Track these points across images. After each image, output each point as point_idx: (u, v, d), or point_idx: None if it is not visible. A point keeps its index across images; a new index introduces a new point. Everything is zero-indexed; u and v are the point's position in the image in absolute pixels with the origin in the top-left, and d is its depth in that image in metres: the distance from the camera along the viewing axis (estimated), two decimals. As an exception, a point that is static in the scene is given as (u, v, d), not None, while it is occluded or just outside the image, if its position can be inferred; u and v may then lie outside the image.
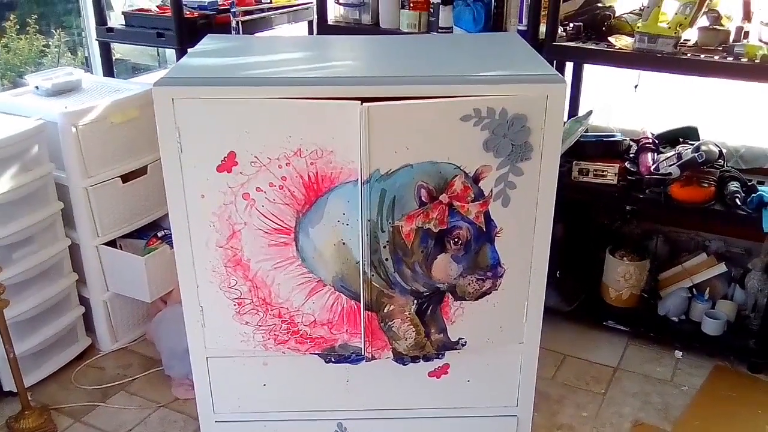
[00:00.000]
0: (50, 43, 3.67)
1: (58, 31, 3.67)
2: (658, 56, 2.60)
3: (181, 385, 2.69)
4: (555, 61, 2.81)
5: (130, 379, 2.81)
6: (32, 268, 2.59)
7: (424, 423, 1.98)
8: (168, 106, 1.55)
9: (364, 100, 1.52)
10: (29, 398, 2.53)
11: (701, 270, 3.02)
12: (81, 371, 2.85)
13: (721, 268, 2.99)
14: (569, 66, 3.11)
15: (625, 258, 3.04)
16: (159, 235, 2.90)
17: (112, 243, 2.85)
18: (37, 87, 2.77)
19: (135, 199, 2.87)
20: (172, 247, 1.71)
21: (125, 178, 2.81)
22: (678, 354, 2.94)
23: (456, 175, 1.60)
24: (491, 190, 1.63)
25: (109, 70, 3.40)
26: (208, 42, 2.04)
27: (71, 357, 2.86)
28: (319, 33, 3.45)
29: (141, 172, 2.86)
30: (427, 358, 1.87)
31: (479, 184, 1.62)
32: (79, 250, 2.80)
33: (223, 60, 1.89)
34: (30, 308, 2.61)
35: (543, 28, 2.83)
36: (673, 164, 2.68)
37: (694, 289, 3.01)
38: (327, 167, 1.59)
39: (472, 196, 1.63)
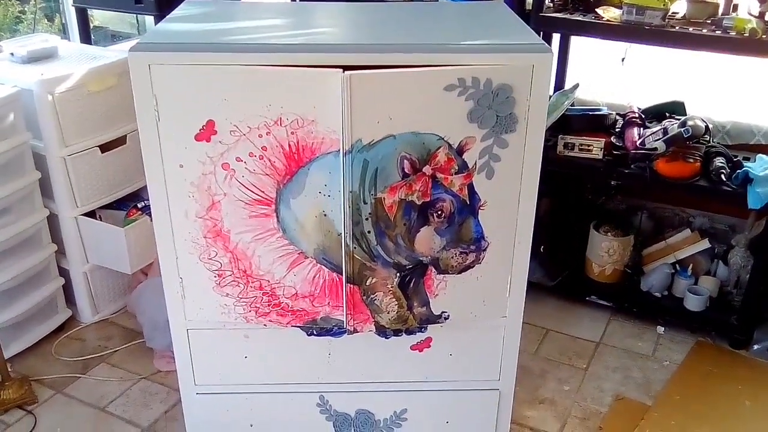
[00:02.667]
0: (26, 9, 3.59)
1: (34, -4, 3.60)
2: (646, 29, 2.58)
3: (163, 357, 2.68)
4: (541, 33, 2.77)
5: (112, 351, 2.79)
6: (10, 238, 2.56)
7: (406, 396, 1.97)
8: (144, 73, 1.51)
9: (346, 68, 1.48)
10: (9, 369, 2.51)
11: (685, 246, 3.02)
12: (62, 343, 2.83)
13: (705, 244, 2.99)
14: (556, 38, 3.08)
15: (609, 233, 3.04)
16: (139, 205, 2.86)
17: (91, 214, 2.81)
18: (12, 54, 2.70)
19: (114, 169, 2.82)
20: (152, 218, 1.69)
21: (104, 147, 2.77)
22: (660, 329, 2.95)
23: (439, 147, 1.57)
24: (475, 162, 1.60)
25: (86, 37, 3.32)
26: (186, 7, 1.99)
27: (52, 328, 2.84)
28: (302, 0, 3.38)
29: (120, 141, 2.82)
30: (409, 332, 1.85)
31: (463, 156, 1.59)
32: (57, 221, 2.76)
33: (202, 25, 1.84)
34: (8, 279, 2.58)
35: (530, -2, 2.80)
36: (659, 139, 2.66)
37: (677, 265, 3.02)
38: (308, 137, 1.56)
39: (456, 168, 1.60)
